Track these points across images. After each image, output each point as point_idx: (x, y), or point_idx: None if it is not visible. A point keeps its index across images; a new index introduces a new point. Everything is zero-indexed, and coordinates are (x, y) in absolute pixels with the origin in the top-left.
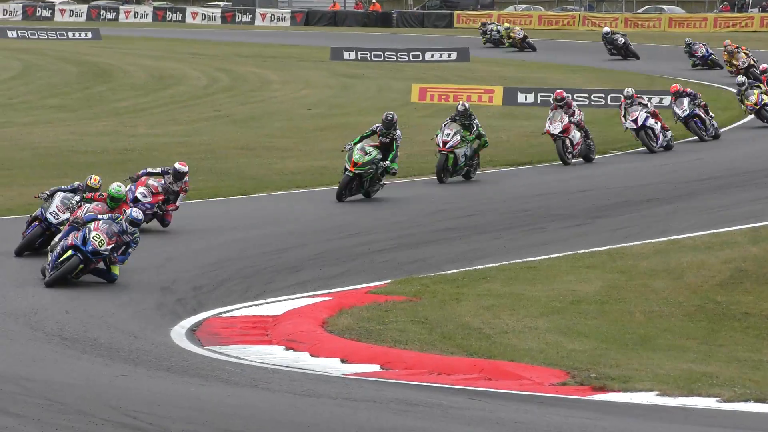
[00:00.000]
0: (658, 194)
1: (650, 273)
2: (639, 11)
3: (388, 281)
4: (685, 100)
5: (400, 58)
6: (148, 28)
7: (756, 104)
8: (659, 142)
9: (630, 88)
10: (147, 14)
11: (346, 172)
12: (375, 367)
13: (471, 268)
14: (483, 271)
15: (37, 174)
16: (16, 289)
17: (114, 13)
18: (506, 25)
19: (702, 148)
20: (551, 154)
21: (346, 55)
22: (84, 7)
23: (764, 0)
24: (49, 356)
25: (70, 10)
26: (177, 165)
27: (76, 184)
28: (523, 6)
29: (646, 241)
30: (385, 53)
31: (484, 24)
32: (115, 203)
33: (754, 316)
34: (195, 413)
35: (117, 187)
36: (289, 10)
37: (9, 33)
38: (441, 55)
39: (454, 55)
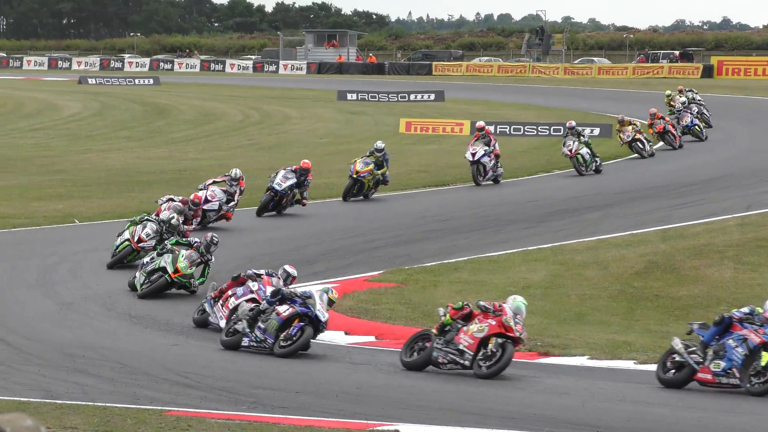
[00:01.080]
0: (589, 204)
1: (583, 265)
2: (575, 62)
3: (381, 271)
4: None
5: (391, 98)
6: (196, 76)
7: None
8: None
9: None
10: (195, 65)
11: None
12: (371, 338)
13: (445, 261)
14: (455, 263)
15: (111, 189)
16: (95, 278)
17: (170, 64)
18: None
19: (624, 167)
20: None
21: (349, 96)
22: (147, 60)
23: (672, 54)
24: (120, 330)
25: (136, 62)
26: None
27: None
28: (486, 58)
29: (580, 240)
30: (380, 95)
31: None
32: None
33: (662, 298)
34: (231, 374)
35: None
36: (305, 62)
37: (89, 80)
38: (422, 96)
39: (432, 96)
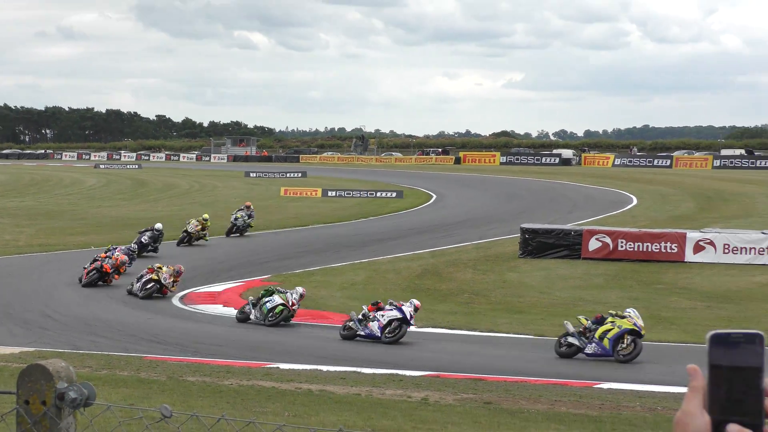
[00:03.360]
0: (390, 236)
1: (386, 271)
2: (382, 155)
3: (270, 275)
4: None
5: (275, 176)
6: (162, 163)
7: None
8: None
9: None
10: (162, 157)
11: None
12: None
13: (306, 270)
14: (312, 271)
15: (112, 228)
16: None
17: (147, 157)
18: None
19: (420, 212)
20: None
21: (251, 174)
22: (134, 154)
23: (437, 150)
24: (119, 310)
25: (128, 155)
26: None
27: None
28: (331, 152)
29: (385, 257)
30: (268, 173)
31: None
32: None
33: (431, 290)
34: (182, 335)
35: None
36: (226, 155)
37: (101, 166)
38: (294, 175)
39: (300, 174)
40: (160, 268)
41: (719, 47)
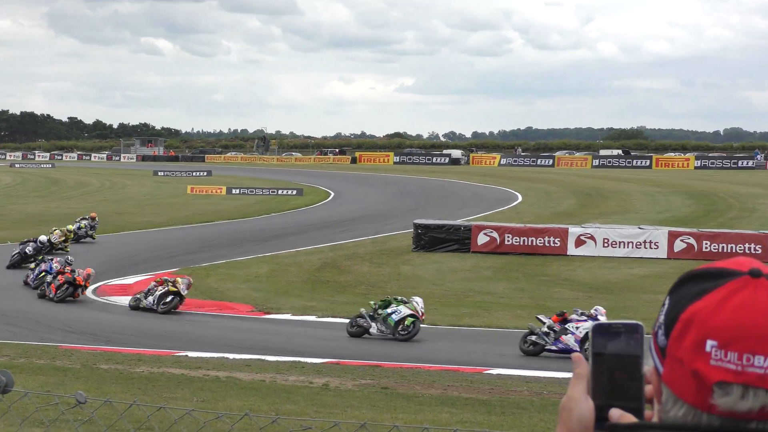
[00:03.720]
0: (291, 232)
1: (288, 264)
2: (282, 155)
3: (178, 268)
4: None
5: (181, 175)
6: (74, 162)
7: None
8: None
9: None
10: (74, 157)
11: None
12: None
13: (213, 263)
14: (218, 264)
15: (28, 224)
16: (20, 273)
17: (61, 157)
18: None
19: (307, 212)
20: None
21: (159, 173)
22: (48, 154)
23: (335, 150)
24: (35, 303)
25: (42, 156)
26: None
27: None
28: (234, 152)
29: (287, 251)
30: (175, 172)
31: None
32: None
33: (331, 282)
34: (97, 326)
35: None
36: (135, 155)
37: (16, 165)
38: (199, 173)
39: (205, 173)
40: (172, 280)
41: (596, 54)
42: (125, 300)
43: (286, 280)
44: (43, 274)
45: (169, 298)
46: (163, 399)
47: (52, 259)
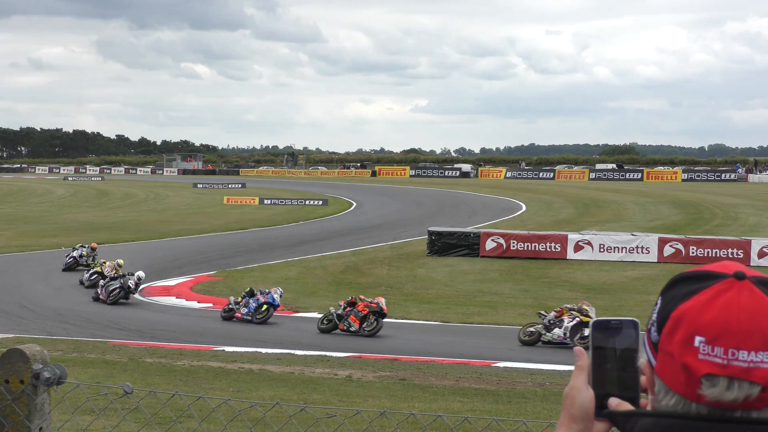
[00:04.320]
0: (317, 238)
1: (314, 267)
2: (309, 169)
3: (215, 271)
4: None
5: (219, 187)
6: (122, 176)
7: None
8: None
9: None
10: (121, 171)
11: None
12: (210, 305)
13: (246, 267)
14: (251, 267)
15: (79, 232)
16: (74, 276)
17: (110, 170)
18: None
19: (332, 220)
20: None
21: (198, 185)
22: (98, 168)
23: (357, 164)
24: (86, 302)
25: (92, 169)
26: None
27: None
28: (266, 167)
29: (313, 255)
30: (213, 185)
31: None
32: None
33: (353, 283)
34: (143, 323)
35: None
36: (176, 169)
37: (70, 178)
38: (235, 186)
39: (240, 185)
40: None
41: (592, 77)
42: (168, 300)
43: (313, 282)
44: (95, 276)
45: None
46: (202, 389)
47: (104, 263)
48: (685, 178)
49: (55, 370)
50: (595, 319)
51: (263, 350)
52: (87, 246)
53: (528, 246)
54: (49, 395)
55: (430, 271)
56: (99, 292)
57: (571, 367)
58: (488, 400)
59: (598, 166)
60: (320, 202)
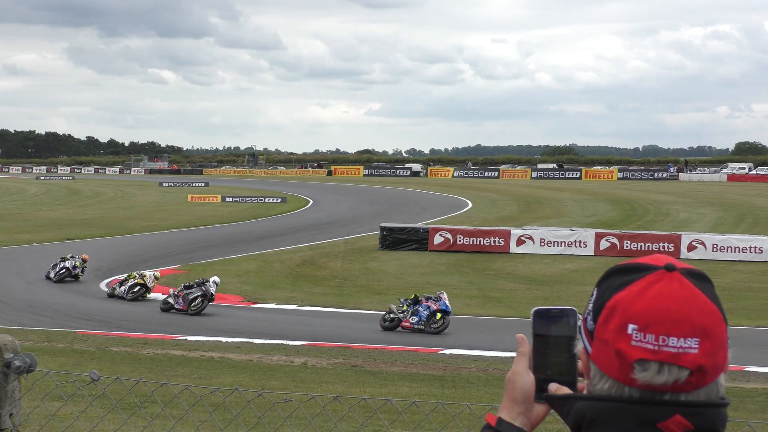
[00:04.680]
0: (276, 234)
1: (273, 261)
2: (269, 168)
3: (179, 265)
4: None
5: (183, 185)
6: (91, 175)
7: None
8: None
9: None
10: (91, 170)
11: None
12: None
13: (208, 261)
14: (213, 261)
15: (50, 228)
16: (43, 270)
17: (80, 170)
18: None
19: (287, 217)
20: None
21: (164, 184)
22: (68, 168)
23: (313, 164)
24: (57, 293)
25: (63, 169)
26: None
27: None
28: (228, 166)
29: (272, 250)
30: (178, 183)
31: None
32: None
33: (310, 276)
34: (109, 314)
35: None
36: (143, 168)
37: (42, 178)
38: (198, 184)
39: (203, 184)
40: (140, 274)
41: (535, 82)
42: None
43: (271, 275)
44: (139, 288)
45: (137, 288)
46: (165, 376)
47: (142, 275)
48: (621, 177)
49: (26, 359)
50: (536, 308)
51: (224, 339)
52: (78, 256)
53: (473, 240)
54: (20, 383)
55: (382, 265)
56: (172, 302)
57: (513, 354)
58: (435, 385)
59: (540, 166)
60: (279, 200)
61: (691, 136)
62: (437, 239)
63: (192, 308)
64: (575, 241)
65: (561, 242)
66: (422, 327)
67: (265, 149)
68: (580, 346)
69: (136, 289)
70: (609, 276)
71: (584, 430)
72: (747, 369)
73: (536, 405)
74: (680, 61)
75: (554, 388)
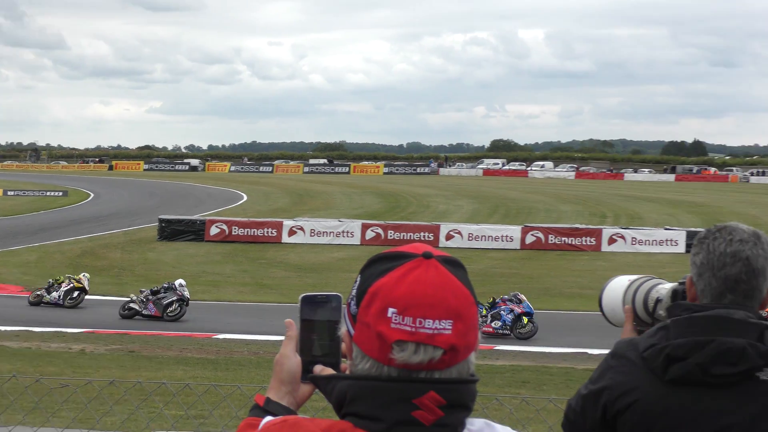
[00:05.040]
0: (55, 225)
1: (54, 252)
2: (51, 163)
3: None
4: None
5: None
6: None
7: None
8: None
9: None
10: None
11: None
12: None
13: None
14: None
15: None
16: None
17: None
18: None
19: (68, 210)
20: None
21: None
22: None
23: (97, 158)
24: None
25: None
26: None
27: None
28: (8, 162)
29: (52, 241)
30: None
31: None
32: None
33: (90, 266)
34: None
35: None
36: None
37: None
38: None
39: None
40: (76, 277)
41: (308, 83)
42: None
43: (52, 265)
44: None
45: (75, 294)
46: None
47: (69, 277)
48: (387, 171)
49: None
50: (304, 294)
51: (2, 328)
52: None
53: (248, 231)
54: None
55: (160, 255)
56: (137, 307)
57: (282, 338)
58: (208, 368)
59: (312, 161)
60: (61, 194)
61: (451, 133)
62: (213, 230)
63: (168, 314)
64: (343, 231)
65: (330, 232)
66: (507, 332)
67: (48, 145)
68: (344, 329)
69: (75, 295)
70: (371, 264)
71: (346, 407)
72: (497, 348)
73: (302, 385)
74: (442, 65)
75: (319, 369)
